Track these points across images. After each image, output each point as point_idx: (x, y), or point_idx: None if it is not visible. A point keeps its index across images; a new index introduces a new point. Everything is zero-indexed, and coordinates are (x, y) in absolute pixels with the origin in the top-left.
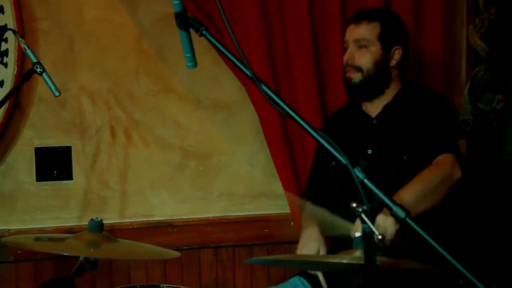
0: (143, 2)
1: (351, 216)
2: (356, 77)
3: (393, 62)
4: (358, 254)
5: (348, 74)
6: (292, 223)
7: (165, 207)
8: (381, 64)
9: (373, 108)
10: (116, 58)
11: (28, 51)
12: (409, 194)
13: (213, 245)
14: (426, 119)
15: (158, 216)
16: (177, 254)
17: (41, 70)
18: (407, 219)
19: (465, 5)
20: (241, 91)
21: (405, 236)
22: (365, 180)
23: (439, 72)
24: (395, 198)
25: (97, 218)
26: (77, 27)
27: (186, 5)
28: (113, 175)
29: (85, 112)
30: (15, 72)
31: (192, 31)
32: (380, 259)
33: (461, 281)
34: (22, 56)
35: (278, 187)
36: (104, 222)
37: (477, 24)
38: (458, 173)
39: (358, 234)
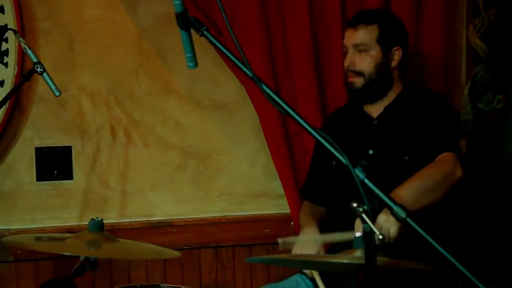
0: (143, 2)
1: (352, 215)
2: (359, 81)
3: (393, 63)
4: (358, 254)
5: (350, 79)
6: (292, 223)
7: (165, 207)
8: (382, 66)
9: (375, 108)
10: (116, 58)
11: (29, 51)
12: (408, 190)
13: (213, 245)
14: (427, 120)
15: (158, 216)
16: (177, 253)
17: (41, 70)
18: (408, 219)
19: (465, 5)
20: (241, 91)
21: (407, 233)
22: (366, 180)
23: (439, 72)
24: (393, 194)
25: (97, 218)
26: (78, 27)
27: (186, 5)
28: (113, 175)
29: (85, 112)
30: (16, 72)
31: (192, 31)
32: (380, 259)
33: (460, 282)
34: (22, 56)
35: (278, 187)
36: (104, 222)
37: (477, 24)
38: (459, 172)
39: (358, 234)
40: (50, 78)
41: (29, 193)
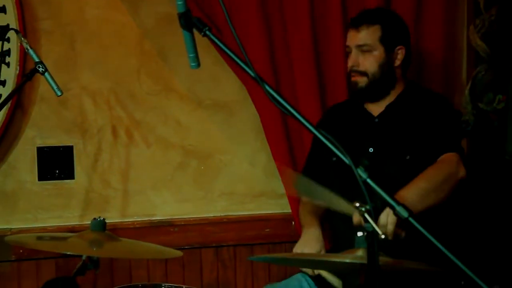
0: (144, 2)
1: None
2: (362, 81)
3: (397, 63)
4: (360, 253)
5: (354, 79)
6: (293, 223)
7: (166, 207)
8: (386, 66)
9: (376, 107)
10: (117, 58)
11: (30, 51)
12: (413, 191)
13: (214, 245)
14: (429, 119)
15: (160, 215)
16: (178, 253)
17: (43, 69)
18: (410, 219)
19: (466, 5)
20: (242, 91)
21: (406, 228)
22: (368, 180)
23: (440, 72)
24: (398, 195)
25: (99, 217)
26: (79, 27)
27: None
28: (115, 174)
29: (86, 111)
30: (17, 71)
31: (195, 31)
32: (382, 259)
33: (462, 282)
34: (24, 56)
35: (279, 186)
36: (106, 221)
37: (477, 24)
38: (462, 172)
39: (360, 234)
40: (52, 78)
41: (31, 192)
